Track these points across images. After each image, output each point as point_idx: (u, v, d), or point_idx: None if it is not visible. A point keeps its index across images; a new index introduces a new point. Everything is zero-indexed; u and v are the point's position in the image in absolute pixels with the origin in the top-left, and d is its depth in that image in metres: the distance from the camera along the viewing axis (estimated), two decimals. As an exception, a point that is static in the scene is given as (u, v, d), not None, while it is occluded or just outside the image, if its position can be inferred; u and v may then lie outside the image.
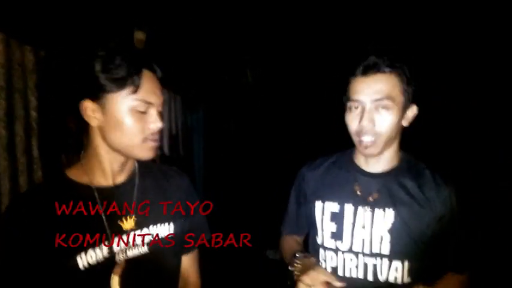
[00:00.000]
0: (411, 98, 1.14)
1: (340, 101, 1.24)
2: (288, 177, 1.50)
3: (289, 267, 1.19)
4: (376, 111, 1.11)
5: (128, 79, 0.92)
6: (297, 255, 1.19)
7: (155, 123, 0.98)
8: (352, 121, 1.16)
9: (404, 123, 1.17)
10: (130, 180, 1.08)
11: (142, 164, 1.13)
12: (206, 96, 4.69)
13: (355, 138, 1.17)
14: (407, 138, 1.28)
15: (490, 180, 3.46)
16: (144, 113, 0.96)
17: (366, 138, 1.13)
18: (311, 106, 4.78)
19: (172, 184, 1.16)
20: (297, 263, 1.15)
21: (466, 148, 3.64)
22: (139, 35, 3.02)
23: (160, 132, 1.03)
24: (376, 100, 1.10)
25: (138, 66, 0.94)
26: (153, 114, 0.98)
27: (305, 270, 1.07)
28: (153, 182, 1.12)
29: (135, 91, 0.93)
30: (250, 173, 5.32)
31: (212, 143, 5.08)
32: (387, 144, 1.16)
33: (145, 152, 1.00)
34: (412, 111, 1.17)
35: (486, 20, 3.03)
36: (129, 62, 0.92)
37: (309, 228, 1.37)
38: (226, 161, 5.27)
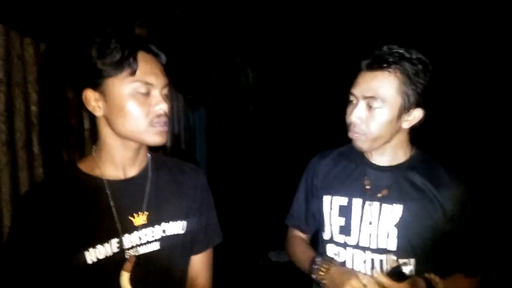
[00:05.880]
0: (415, 101, 1.09)
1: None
2: (291, 177, 1.46)
3: (313, 276, 1.17)
4: (368, 108, 1.11)
5: (123, 61, 0.90)
6: (317, 260, 1.17)
7: (159, 105, 0.95)
8: (347, 113, 1.17)
9: (405, 125, 1.14)
10: (142, 173, 1.05)
11: (155, 157, 1.10)
12: (208, 94, 4.66)
13: (348, 130, 1.18)
14: (424, 138, 1.24)
15: (505, 183, 3.41)
16: (146, 95, 0.93)
17: (354, 134, 1.14)
18: (317, 104, 4.76)
19: (188, 180, 1.12)
20: (321, 271, 1.13)
21: (482, 150, 3.59)
22: (140, 32, 2.97)
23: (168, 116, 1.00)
24: (366, 97, 1.10)
25: (133, 48, 0.92)
26: (156, 96, 0.95)
27: (334, 277, 1.08)
28: (167, 177, 1.09)
29: (133, 73, 0.91)
30: (253, 173, 5.29)
31: (214, 142, 5.04)
32: (378, 141, 1.14)
33: (154, 137, 0.96)
34: (415, 115, 1.13)
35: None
36: (123, 45, 0.90)
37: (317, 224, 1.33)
38: (228, 160, 5.23)
